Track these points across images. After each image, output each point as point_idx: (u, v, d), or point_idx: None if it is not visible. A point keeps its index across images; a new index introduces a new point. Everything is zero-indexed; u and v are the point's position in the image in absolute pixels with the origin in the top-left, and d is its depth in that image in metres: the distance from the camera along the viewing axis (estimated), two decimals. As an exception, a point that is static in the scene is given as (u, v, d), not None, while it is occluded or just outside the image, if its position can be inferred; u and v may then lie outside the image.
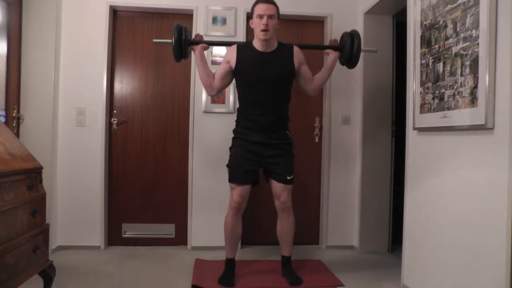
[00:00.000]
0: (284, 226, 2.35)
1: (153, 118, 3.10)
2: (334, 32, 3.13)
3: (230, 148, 2.38)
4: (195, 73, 3.01)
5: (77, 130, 2.93)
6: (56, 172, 2.89)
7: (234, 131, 2.39)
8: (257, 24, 2.22)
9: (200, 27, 3.03)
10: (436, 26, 1.99)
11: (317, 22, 3.22)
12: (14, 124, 2.65)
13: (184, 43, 2.28)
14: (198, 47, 2.33)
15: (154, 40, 2.51)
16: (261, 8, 2.21)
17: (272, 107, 2.27)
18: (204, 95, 3.02)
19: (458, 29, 1.80)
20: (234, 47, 2.34)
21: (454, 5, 1.83)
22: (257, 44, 2.29)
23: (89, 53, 2.94)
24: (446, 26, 1.90)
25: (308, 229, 3.17)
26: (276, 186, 2.30)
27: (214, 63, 3.03)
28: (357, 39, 2.32)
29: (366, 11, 3.03)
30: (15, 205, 1.63)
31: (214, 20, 3.04)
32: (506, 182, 1.51)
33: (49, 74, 2.79)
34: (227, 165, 2.35)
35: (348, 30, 2.42)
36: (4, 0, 2.54)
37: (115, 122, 3.06)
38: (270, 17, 2.20)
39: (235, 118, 2.40)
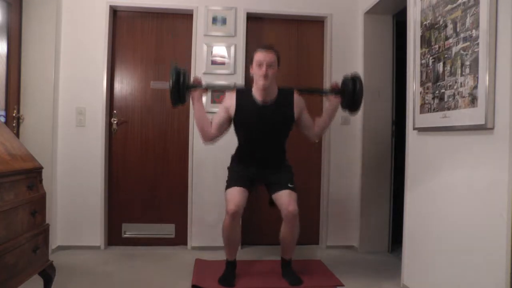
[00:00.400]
0: (289, 235, 2.29)
1: (153, 118, 3.10)
2: (334, 32, 3.13)
3: (228, 168, 2.41)
4: (195, 73, 3.02)
5: (77, 130, 2.93)
6: (56, 172, 2.89)
7: (232, 159, 2.42)
8: (257, 72, 2.19)
9: (200, 27, 3.03)
10: (436, 26, 1.99)
11: (317, 22, 3.22)
12: (14, 124, 2.65)
13: (182, 87, 2.16)
14: (196, 93, 2.24)
15: (152, 85, 2.39)
16: (260, 56, 2.17)
17: (270, 150, 2.32)
18: (204, 95, 3.01)
19: (458, 29, 1.80)
20: (233, 94, 2.30)
21: (454, 5, 1.83)
22: (256, 92, 2.25)
23: (89, 53, 2.94)
24: (446, 26, 1.90)
25: (308, 229, 3.17)
26: (281, 195, 2.25)
27: (214, 63, 3.03)
28: (359, 83, 2.21)
29: (366, 11, 3.03)
30: (15, 205, 1.63)
31: (214, 20, 3.04)
32: (506, 182, 1.51)
33: (49, 74, 2.79)
34: (226, 181, 2.36)
35: (349, 74, 2.32)
36: (4, 0, 2.54)
37: (115, 122, 3.06)
38: (269, 65, 2.16)
39: (232, 155, 2.43)
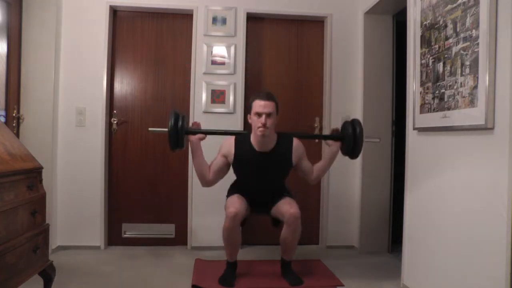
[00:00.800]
0: (289, 237, 2.27)
1: (153, 118, 3.10)
2: (334, 32, 3.13)
3: (227, 197, 2.42)
4: (195, 73, 3.02)
5: (77, 130, 2.93)
6: (56, 172, 2.89)
7: (232, 188, 2.44)
8: (255, 122, 2.18)
9: (200, 27, 3.03)
10: (436, 26, 1.99)
11: (317, 22, 3.22)
12: (14, 124, 2.65)
13: (181, 131, 2.12)
14: (195, 138, 2.20)
15: (150, 130, 2.34)
16: (259, 106, 2.14)
17: (268, 189, 2.35)
18: (204, 95, 3.02)
19: (458, 29, 1.80)
20: (232, 142, 2.29)
21: (454, 5, 1.83)
22: (255, 141, 2.25)
23: (89, 53, 2.94)
24: (446, 26, 1.90)
25: (308, 229, 3.16)
26: (281, 203, 2.28)
27: (214, 63, 3.03)
28: (359, 129, 2.18)
29: (366, 11, 3.03)
30: (15, 205, 1.63)
31: (214, 20, 3.04)
32: (506, 182, 1.51)
33: (49, 74, 2.79)
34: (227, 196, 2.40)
35: (350, 119, 2.31)
36: (4, 0, 2.54)
37: (115, 122, 3.06)
38: (268, 115, 2.14)
39: (231, 184, 2.46)
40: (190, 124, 2.31)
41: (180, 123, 2.12)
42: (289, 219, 2.20)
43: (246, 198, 2.33)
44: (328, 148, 2.34)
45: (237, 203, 2.22)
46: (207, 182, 2.29)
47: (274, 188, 2.38)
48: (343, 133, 2.25)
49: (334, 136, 2.30)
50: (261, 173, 2.27)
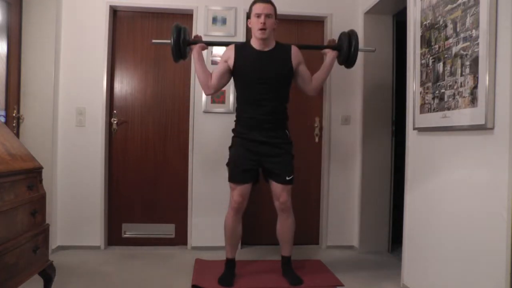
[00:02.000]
0: (284, 226, 2.35)
1: (153, 118, 3.10)
2: (334, 32, 3.13)
3: (230, 148, 2.38)
4: (195, 73, 3.01)
5: (77, 130, 2.93)
6: (56, 172, 2.89)
7: (234, 130, 2.39)
8: (255, 23, 2.24)
9: (200, 27, 3.03)
10: (436, 26, 1.99)
11: (317, 22, 3.22)
12: (14, 124, 2.65)
13: (183, 43, 2.28)
14: (196, 46, 2.33)
15: (153, 41, 2.52)
16: (258, 8, 2.23)
17: (270, 105, 2.27)
18: (204, 95, 3.02)
19: (458, 29, 1.80)
20: (232, 46, 2.35)
21: (454, 5, 1.83)
22: (255, 43, 2.30)
23: (89, 53, 2.94)
24: (446, 26, 1.90)
25: (308, 229, 3.17)
26: (276, 186, 2.29)
27: (214, 63, 3.03)
28: (355, 39, 2.33)
29: (366, 11, 3.03)
30: (15, 205, 1.63)
31: (214, 20, 3.04)
32: (506, 182, 1.51)
33: (49, 74, 2.79)
34: (227, 164, 2.35)
35: (347, 30, 2.43)
36: (4, 0, 2.54)
37: (115, 122, 3.06)
38: (267, 16, 2.22)
39: (234, 118, 2.40)
40: (192, 37, 2.43)
41: (182, 35, 2.27)
42: (280, 206, 2.31)
43: (247, 153, 2.25)
44: (326, 57, 2.44)
45: (240, 192, 2.25)
46: (210, 87, 2.34)
47: (276, 107, 2.28)
48: (340, 43, 2.41)
49: (331, 46, 2.43)
50: (261, 74, 2.23)
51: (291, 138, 2.38)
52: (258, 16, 2.22)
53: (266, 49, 2.29)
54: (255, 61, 2.26)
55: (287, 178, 2.28)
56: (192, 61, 2.99)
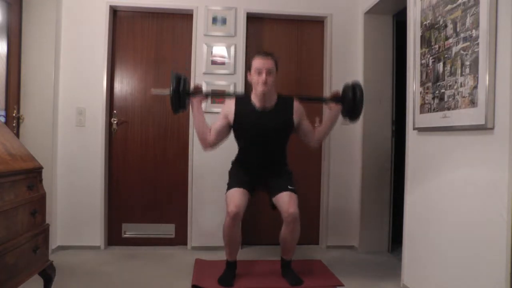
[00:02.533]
0: (289, 235, 2.27)
1: (153, 118, 3.10)
2: (334, 32, 3.13)
3: (229, 172, 2.42)
4: (195, 73, 3.02)
5: (77, 130, 2.93)
6: (56, 172, 2.89)
7: (233, 164, 2.44)
8: (255, 79, 2.19)
9: (200, 27, 3.03)
10: (436, 26, 1.99)
11: (317, 22, 3.22)
12: (14, 124, 2.65)
13: (182, 93, 2.17)
14: (196, 99, 2.24)
15: (153, 91, 2.39)
16: (259, 63, 2.17)
17: (270, 155, 2.32)
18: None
19: (458, 29, 1.80)
20: (232, 101, 2.30)
21: (454, 5, 1.83)
22: (255, 99, 2.26)
23: (89, 53, 2.94)
24: (446, 26, 1.90)
25: (308, 229, 3.17)
26: (282, 197, 2.24)
27: (214, 63, 3.03)
28: (359, 91, 2.21)
29: (366, 11, 3.03)
30: (15, 205, 1.63)
31: (214, 20, 3.04)
32: (506, 182, 1.51)
33: (49, 74, 2.79)
34: (227, 183, 2.38)
35: (350, 82, 2.32)
36: (4, 0, 2.54)
37: (115, 122, 3.06)
38: (268, 72, 2.16)
39: (232, 161, 2.45)
40: (192, 87, 2.34)
41: (181, 85, 2.16)
42: (287, 218, 2.19)
43: (246, 175, 2.30)
44: (329, 111, 2.36)
45: (237, 199, 2.20)
46: (208, 143, 2.29)
47: (275, 153, 2.33)
48: (343, 96, 2.27)
49: (335, 99, 2.31)
50: (262, 131, 2.23)
51: (291, 169, 2.43)
52: (259, 72, 2.16)
53: (267, 106, 2.25)
54: (255, 120, 2.24)
55: (289, 187, 2.28)
56: (193, 58, 3.02)
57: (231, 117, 2.26)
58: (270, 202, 2.40)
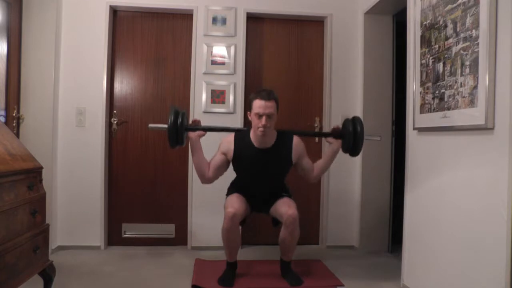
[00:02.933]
0: (289, 237, 2.25)
1: (153, 118, 3.10)
2: (334, 32, 3.13)
3: (227, 195, 2.43)
4: (195, 73, 3.02)
5: (77, 130, 2.93)
6: (56, 172, 2.89)
7: (232, 186, 2.45)
8: (255, 122, 2.16)
9: (200, 27, 3.03)
10: (436, 26, 1.99)
11: (317, 22, 3.22)
12: (14, 124, 2.65)
13: (181, 128, 2.12)
14: (194, 134, 2.20)
15: (150, 126, 2.32)
16: (260, 106, 2.12)
17: (268, 188, 2.35)
18: (204, 95, 3.02)
19: (458, 29, 1.80)
20: (231, 139, 2.29)
21: (454, 5, 1.83)
22: (254, 139, 2.25)
23: (89, 53, 2.94)
24: (446, 26, 1.90)
25: (308, 229, 3.17)
26: (279, 203, 2.28)
27: (214, 63, 3.03)
28: (360, 127, 2.17)
29: (366, 11, 3.03)
30: (15, 205, 1.63)
31: (214, 20, 3.04)
32: (506, 182, 1.51)
33: (49, 74, 2.79)
34: (227, 194, 2.41)
35: (350, 117, 2.29)
36: (4, 0, 2.54)
37: (115, 122, 3.06)
38: (269, 116, 2.13)
39: (231, 181, 2.46)
40: (190, 121, 2.30)
41: (180, 120, 2.11)
42: (287, 220, 2.19)
43: (245, 197, 2.33)
44: (329, 146, 2.34)
45: (236, 203, 2.22)
46: (206, 180, 2.28)
47: (273, 186, 2.37)
48: (344, 131, 2.24)
49: (335, 134, 2.29)
50: (261, 170, 2.26)
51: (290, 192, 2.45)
52: (259, 116, 2.13)
53: (266, 147, 2.24)
54: (254, 160, 2.24)
55: (284, 194, 2.34)
56: (193, 59, 3.01)
57: (230, 155, 2.27)
58: (272, 220, 2.44)
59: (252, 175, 2.31)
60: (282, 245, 2.32)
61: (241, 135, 2.31)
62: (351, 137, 2.18)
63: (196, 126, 2.22)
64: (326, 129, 3.13)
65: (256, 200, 2.36)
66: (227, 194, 2.41)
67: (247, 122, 2.51)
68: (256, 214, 3.00)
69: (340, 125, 2.30)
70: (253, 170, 2.28)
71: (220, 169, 2.29)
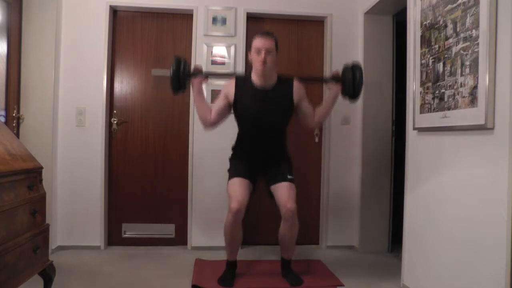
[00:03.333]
0: (288, 233, 2.26)
1: (153, 118, 3.10)
2: (334, 32, 3.13)
3: (230, 160, 2.41)
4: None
5: (77, 130, 2.93)
6: (56, 172, 2.89)
7: (233, 149, 2.43)
8: (255, 59, 2.19)
9: (200, 27, 3.03)
10: (436, 26, 1.99)
11: (317, 22, 3.22)
12: (14, 124, 2.65)
13: (182, 75, 2.20)
14: (196, 80, 2.26)
15: (153, 72, 2.41)
16: (259, 43, 2.17)
17: (270, 138, 2.31)
18: (204, 95, 3.01)
19: (458, 29, 1.80)
20: (233, 81, 2.31)
21: (454, 5, 1.83)
22: (255, 78, 2.26)
23: (89, 53, 2.94)
24: (446, 26, 1.90)
25: (308, 229, 3.17)
26: (280, 188, 2.24)
27: (214, 63, 3.03)
28: (359, 72, 2.24)
29: (366, 11, 3.03)
30: (15, 205, 1.63)
31: (214, 20, 3.04)
32: (506, 182, 1.51)
33: (49, 74, 2.79)
34: (228, 170, 2.37)
35: (350, 63, 2.34)
36: (4, 0, 2.54)
37: (115, 122, 3.06)
38: (268, 52, 2.16)
39: (233, 143, 2.43)
40: (192, 68, 2.35)
41: (182, 66, 2.20)
42: (285, 214, 2.19)
43: (247, 162, 2.30)
44: (329, 91, 2.37)
45: (240, 194, 2.19)
46: (209, 124, 2.31)
47: (275, 138, 2.32)
48: (344, 77, 2.29)
49: (335, 79, 2.32)
50: (262, 111, 2.23)
51: (291, 158, 2.42)
52: (258, 52, 2.17)
53: (267, 86, 2.25)
54: (255, 99, 2.24)
55: (288, 177, 2.28)
56: (193, 58, 3.02)
57: (231, 96, 2.28)
58: (267, 190, 2.38)
59: (253, 119, 2.26)
60: (282, 241, 2.32)
61: (242, 78, 2.37)
62: (350, 82, 2.24)
63: (198, 72, 2.29)
64: (326, 129, 3.14)
65: (258, 163, 2.31)
66: (231, 162, 2.38)
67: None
68: (256, 215, 3.00)
69: (340, 71, 2.34)
70: (254, 111, 2.24)
71: (222, 113, 2.31)
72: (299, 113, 2.34)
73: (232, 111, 2.34)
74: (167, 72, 2.23)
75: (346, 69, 2.30)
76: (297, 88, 2.30)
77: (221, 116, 2.32)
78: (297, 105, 2.30)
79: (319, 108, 2.37)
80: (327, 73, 3.14)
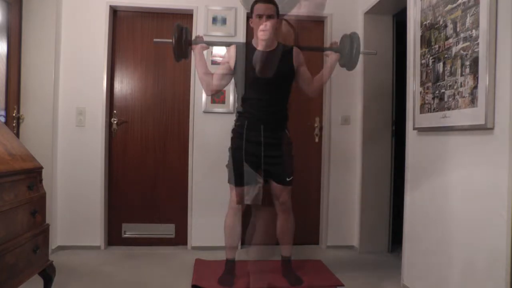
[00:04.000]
0: (284, 226, 2.34)
1: (153, 118, 3.10)
2: (334, 32, 3.13)
3: (229, 149, 2.37)
4: (195, 73, 3.02)
5: (77, 130, 2.93)
6: (56, 172, 2.89)
7: (233, 130, 2.38)
8: (256, 24, 2.22)
9: (200, 27, 3.03)
10: (436, 26, 1.99)
11: (317, 22, 3.22)
12: (14, 124, 2.64)
13: (184, 43, 2.27)
14: (197, 47, 2.31)
15: (155, 40, 2.49)
16: (260, 8, 2.21)
17: (270, 106, 2.26)
18: (204, 95, 3.02)
19: (458, 29, 1.80)
20: (233, 46, 2.35)
21: (454, 5, 1.83)
22: (256, 43, 2.29)
23: (89, 53, 2.94)
24: (446, 26, 1.90)
25: (308, 229, 3.17)
26: (275, 187, 2.29)
27: (214, 63, 3.03)
28: (356, 41, 2.29)
29: (366, 11, 3.03)
30: (15, 205, 1.63)
31: (214, 20, 3.04)
32: (506, 182, 1.51)
33: (49, 74, 2.79)
34: (227, 165, 2.35)
35: (348, 32, 2.39)
36: (4, 0, 2.54)
37: (115, 122, 3.06)
38: (269, 17, 2.20)
39: (235, 118, 2.39)
40: (194, 37, 2.40)
41: (184, 34, 2.25)
42: (279, 207, 2.31)
43: (247, 143, 2.23)
44: (327, 59, 2.42)
45: (239, 189, 2.23)
46: (211, 89, 2.35)
47: (276, 108, 2.28)
48: (342, 46, 2.36)
49: (333, 48, 2.38)
50: (262, 72, 2.23)
51: (291, 139, 2.37)
52: (260, 17, 2.21)
53: (268, 49, 2.27)
54: (256, 60, 2.25)
55: (287, 180, 2.28)
56: (193, 61, 3.01)
57: (233, 61, 2.30)
58: (265, 179, 2.33)
59: (254, 83, 2.24)
60: (280, 236, 2.37)
61: (242, 44, 2.42)
62: (348, 51, 2.30)
63: (199, 40, 2.33)
64: (326, 129, 3.14)
65: (258, 136, 2.23)
66: (230, 151, 2.31)
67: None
68: (256, 214, 3.00)
69: (338, 41, 2.40)
70: (255, 72, 2.22)
71: (223, 78, 2.35)
72: (298, 78, 2.37)
73: (233, 76, 2.36)
74: (170, 41, 2.25)
75: (344, 37, 2.37)
76: (296, 53, 2.34)
77: (223, 81, 2.36)
78: (296, 70, 2.34)
79: (317, 75, 2.41)
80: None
